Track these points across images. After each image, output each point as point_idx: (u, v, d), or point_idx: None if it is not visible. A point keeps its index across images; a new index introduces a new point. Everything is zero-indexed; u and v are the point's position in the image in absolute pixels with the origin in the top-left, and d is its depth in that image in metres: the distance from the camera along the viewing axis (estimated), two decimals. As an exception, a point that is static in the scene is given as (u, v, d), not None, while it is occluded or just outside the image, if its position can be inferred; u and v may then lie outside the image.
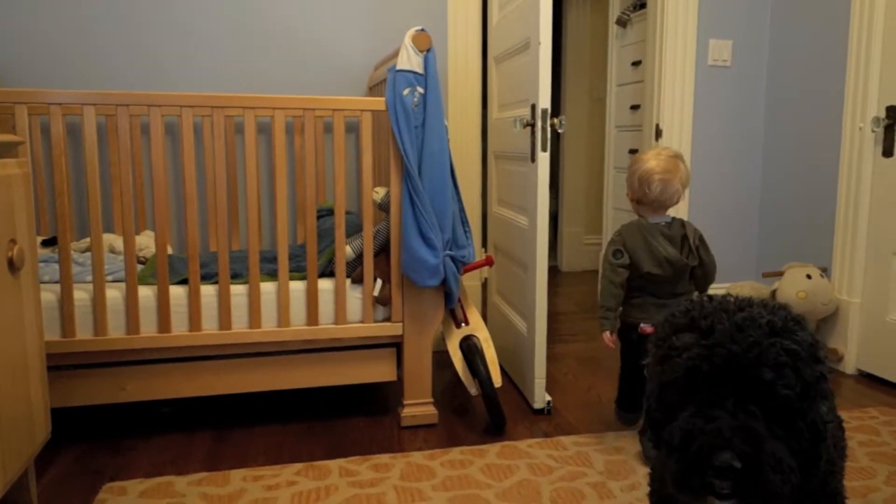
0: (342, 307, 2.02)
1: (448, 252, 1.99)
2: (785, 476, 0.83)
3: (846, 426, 1.17)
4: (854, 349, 2.65)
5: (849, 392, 2.46)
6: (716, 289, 1.68)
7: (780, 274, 2.76)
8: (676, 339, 0.90)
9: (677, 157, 1.94)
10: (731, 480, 0.82)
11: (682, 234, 1.92)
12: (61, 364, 1.88)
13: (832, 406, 1.09)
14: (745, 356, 0.85)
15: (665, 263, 1.87)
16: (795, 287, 2.64)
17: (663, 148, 2.01)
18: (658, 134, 3.10)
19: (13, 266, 1.40)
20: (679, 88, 3.07)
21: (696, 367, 0.87)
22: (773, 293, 2.72)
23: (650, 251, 1.88)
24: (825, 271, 2.73)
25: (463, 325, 2.20)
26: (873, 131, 2.54)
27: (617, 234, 1.96)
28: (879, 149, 2.54)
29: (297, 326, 2.00)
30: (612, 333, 1.91)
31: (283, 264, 1.97)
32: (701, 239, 1.94)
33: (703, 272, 1.95)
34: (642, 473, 1.80)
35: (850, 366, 2.66)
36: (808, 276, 2.65)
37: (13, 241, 1.41)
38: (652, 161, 1.91)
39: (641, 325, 1.89)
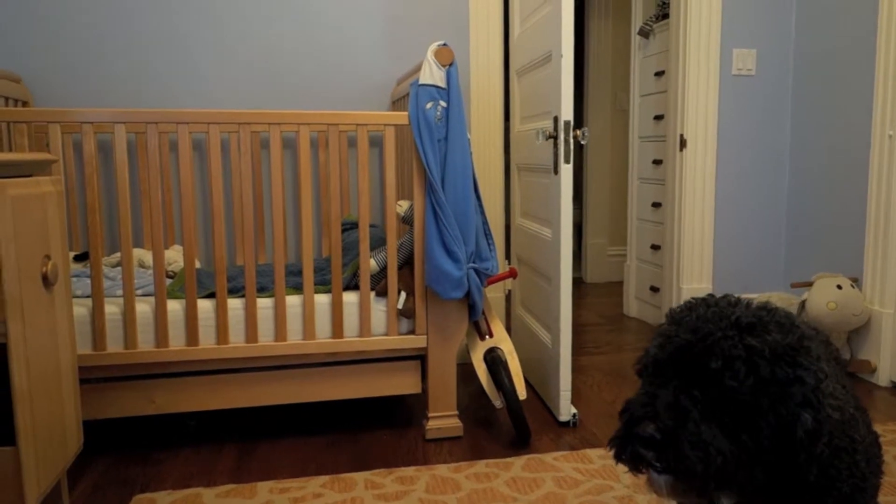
0: (367, 320, 2.04)
1: (472, 264, 2.00)
2: (707, 457, 0.85)
3: (880, 440, 1.15)
4: (887, 360, 2.59)
5: (882, 404, 2.40)
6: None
7: (809, 285, 2.71)
8: (658, 330, 0.99)
9: None
10: (654, 451, 0.86)
11: None
12: (93, 377, 1.92)
13: (865, 422, 1.06)
14: (697, 346, 0.90)
15: None
16: (825, 298, 2.60)
17: None
18: (682, 144, 3.09)
19: (47, 281, 1.43)
20: (703, 98, 3.05)
21: (656, 354, 0.93)
22: (803, 304, 2.68)
23: None
24: (856, 282, 2.68)
25: (487, 337, 2.20)
26: (903, 139, 2.50)
27: None
28: (910, 156, 2.50)
29: (322, 339, 2.02)
30: None
31: (308, 278, 1.99)
32: None
33: None
34: (670, 487, 1.77)
35: (883, 378, 2.60)
36: (839, 287, 2.60)
37: (48, 257, 1.45)
38: None
39: None
